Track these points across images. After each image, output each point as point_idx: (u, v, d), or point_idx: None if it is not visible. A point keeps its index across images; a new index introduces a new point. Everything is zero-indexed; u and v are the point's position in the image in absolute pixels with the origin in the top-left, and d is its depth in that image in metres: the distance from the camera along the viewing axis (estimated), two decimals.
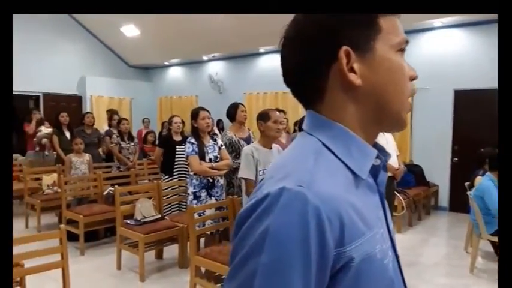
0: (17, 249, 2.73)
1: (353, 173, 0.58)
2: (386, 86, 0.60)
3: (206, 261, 2.83)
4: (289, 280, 0.48)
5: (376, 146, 0.65)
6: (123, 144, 5.40)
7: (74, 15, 9.12)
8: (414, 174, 5.77)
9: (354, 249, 0.52)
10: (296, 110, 7.51)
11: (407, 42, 0.63)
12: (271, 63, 8.27)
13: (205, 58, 9.20)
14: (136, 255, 3.56)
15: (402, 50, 0.62)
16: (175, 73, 10.28)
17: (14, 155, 6.55)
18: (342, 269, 0.52)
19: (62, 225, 2.30)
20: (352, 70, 0.58)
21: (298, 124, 4.69)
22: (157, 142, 6.79)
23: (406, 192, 5.09)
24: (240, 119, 3.80)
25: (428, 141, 6.19)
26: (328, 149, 0.59)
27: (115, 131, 5.78)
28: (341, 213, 0.51)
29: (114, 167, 5.46)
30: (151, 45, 9.14)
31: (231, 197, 3.23)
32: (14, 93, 8.30)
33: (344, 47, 0.57)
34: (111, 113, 7.08)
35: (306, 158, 0.57)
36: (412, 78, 0.63)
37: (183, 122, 4.75)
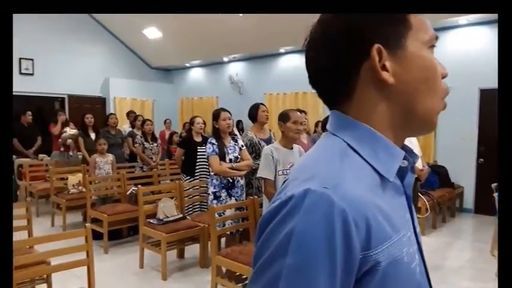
0: (43, 247, 2.84)
1: (379, 174, 0.57)
2: (419, 84, 0.59)
3: (227, 261, 2.85)
4: (314, 282, 0.48)
5: (403, 147, 0.63)
6: (146, 144, 5.51)
7: (98, 18, 9.35)
8: (438, 175, 5.64)
9: (381, 253, 0.51)
10: (316, 110, 7.47)
11: (436, 38, 0.61)
12: (291, 63, 8.25)
13: (225, 59, 9.27)
14: (159, 254, 3.62)
15: (432, 47, 0.61)
16: (196, 74, 10.39)
17: (41, 155, 6.76)
18: (368, 272, 0.51)
19: (88, 224, 2.36)
20: (384, 68, 0.57)
21: (322, 124, 4.64)
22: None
23: (430, 194, 4.99)
24: (261, 119, 3.80)
25: (453, 141, 6.04)
26: (354, 150, 0.58)
27: (138, 132, 5.91)
28: (368, 216, 0.51)
29: (138, 167, 5.56)
30: (173, 47, 9.27)
31: (251, 197, 3.24)
32: (40, 95, 8.64)
33: (376, 45, 0.57)
34: (134, 114, 7.26)
35: (331, 159, 0.56)
36: (443, 76, 0.62)
37: (204, 123, 4.80)
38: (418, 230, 0.65)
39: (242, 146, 3.57)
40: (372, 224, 0.51)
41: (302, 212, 0.50)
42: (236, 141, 3.55)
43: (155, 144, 5.64)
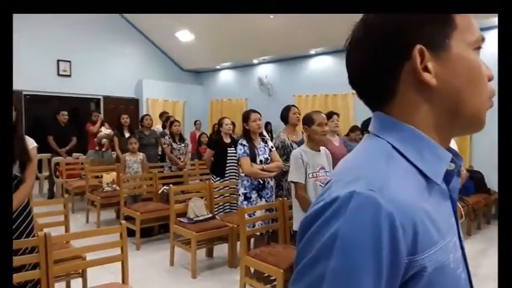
0: (78, 243, 2.96)
1: (426, 177, 0.56)
2: (463, 86, 0.57)
3: (256, 262, 2.87)
4: (359, 286, 0.47)
5: (450, 149, 0.61)
6: (174, 145, 5.60)
7: (133, 21, 9.63)
8: (474, 181, 5.43)
9: (427, 258, 0.50)
10: (346, 112, 7.38)
11: (483, 40, 0.59)
12: (321, 65, 8.19)
13: (255, 61, 9.32)
14: (188, 252, 3.68)
15: (478, 48, 0.59)
16: (226, 76, 10.50)
17: (76, 154, 7.02)
18: (414, 277, 0.50)
19: (123, 222, 2.44)
20: (426, 69, 0.56)
21: (362, 126, 4.56)
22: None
23: (465, 200, 4.81)
24: (293, 121, 3.79)
25: (489, 145, 5.80)
26: (399, 152, 0.57)
27: (168, 132, 6.05)
28: (415, 220, 0.50)
29: (166, 166, 5.67)
30: (204, 50, 9.42)
31: (280, 199, 3.24)
32: (77, 95, 8.99)
33: (418, 46, 0.55)
34: (167, 115, 7.43)
35: (376, 161, 0.55)
36: (489, 79, 0.60)
37: (233, 124, 4.84)
38: (462, 235, 0.63)
39: (272, 147, 3.58)
40: (419, 228, 0.50)
41: (347, 214, 0.49)
42: (266, 142, 3.57)
43: (183, 145, 5.73)
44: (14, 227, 2.21)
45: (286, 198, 3.21)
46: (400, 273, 0.49)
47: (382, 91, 0.60)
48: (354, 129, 5.63)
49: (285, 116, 3.83)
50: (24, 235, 2.28)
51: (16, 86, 7.46)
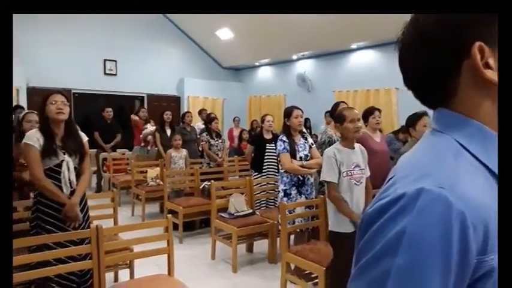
0: (125, 235, 3.09)
1: (493, 174, 0.54)
2: None
3: (297, 259, 2.86)
4: (426, 285, 0.47)
5: None
6: (212, 141, 5.68)
7: (175, 21, 9.87)
8: None
9: (497, 259, 0.49)
10: (389, 108, 7.16)
11: None
12: (363, 59, 8.00)
13: (294, 57, 9.26)
14: (229, 246, 3.74)
15: None
16: (265, 73, 10.52)
17: (122, 150, 7.32)
18: (482, 278, 0.49)
19: (169, 215, 2.52)
20: (487, 66, 0.54)
21: (406, 122, 4.41)
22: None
23: None
24: None
25: None
26: (465, 148, 0.55)
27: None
28: (486, 220, 0.49)
29: (205, 163, 5.77)
30: (244, 47, 9.49)
31: (321, 196, 3.21)
32: (122, 94, 9.37)
33: (477, 43, 0.54)
34: (206, 112, 7.58)
35: (444, 158, 0.54)
36: None
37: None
38: None
39: (312, 144, 3.55)
40: (489, 227, 0.49)
41: (415, 212, 0.48)
42: (306, 139, 3.54)
43: (220, 141, 5.80)
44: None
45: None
46: (468, 273, 0.48)
47: (442, 91, 0.59)
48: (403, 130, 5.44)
49: (334, 112, 3.79)
50: (82, 225, 2.43)
51: (66, 85, 7.93)
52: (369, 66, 7.82)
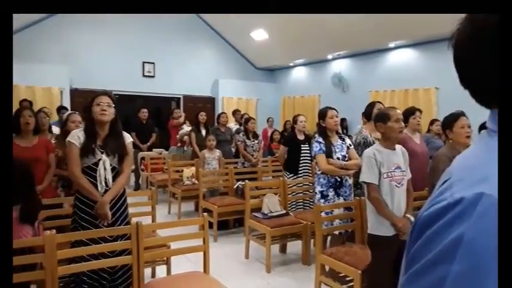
0: (162, 232, 3.17)
1: None
2: None
3: (332, 261, 2.83)
4: None
5: None
6: (248, 142, 5.71)
7: (209, 22, 10.02)
8: None
9: None
10: (429, 108, 6.91)
11: None
12: (401, 58, 7.78)
13: (329, 57, 9.14)
14: (263, 246, 3.75)
15: None
16: (299, 73, 10.46)
17: (159, 150, 7.52)
18: None
19: (205, 214, 2.56)
20: None
21: (443, 122, 4.26)
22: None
23: None
24: None
25: None
26: None
27: (242, 130, 6.21)
28: None
29: (240, 163, 5.81)
30: (278, 48, 9.48)
31: (358, 198, 3.15)
32: (159, 95, 9.63)
33: None
34: (240, 113, 7.66)
35: None
36: None
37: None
38: None
39: (350, 145, 3.49)
40: None
41: (474, 217, 0.46)
42: (343, 140, 3.49)
43: (256, 142, 5.81)
44: (112, 212, 2.44)
45: (364, 198, 3.11)
46: None
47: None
48: (433, 122, 5.27)
49: (369, 112, 3.71)
50: (119, 221, 2.51)
51: (107, 86, 8.24)
52: (407, 65, 7.60)
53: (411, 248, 0.53)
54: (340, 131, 4.23)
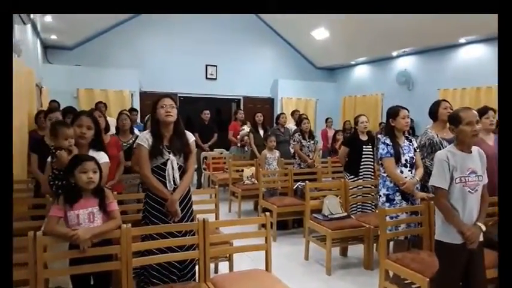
0: (224, 230, 3.27)
1: None
2: None
3: (397, 267, 2.72)
4: None
5: None
6: (304, 142, 5.67)
7: (269, 22, 10.09)
8: None
9: None
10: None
11: None
12: (473, 54, 7.26)
13: (394, 54, 8.78)
14: (323, 248, 3.71)
15: None
16: (361, 72, 10.18)
17: (220, 149, 7.74)
18: None
19: (267, 213, 2.60)
20: None
21: None
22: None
23: None
24: (442, 117, 3.40)
25: None
26: None
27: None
28: None
29: (296, 163, 5.79)
30: (339, 46, 9.29)
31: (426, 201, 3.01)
32: (221, 97, 9.92)
33: None
34: (298, 113, 7.64)
35: None
36: None
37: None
38: None
39: (417, 147, 3.33)
40: None
41: None
42: (411, 141, 3.34)
43: (312, 142, 5.75)
44: (180, 208, 2.57)
45: (432, 202, 2.95)
46: None
47: None
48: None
49: (434, 111, 3.50)
50: (186, 217, 2.64)
51: (173, 89, 8.66)
52: (480, 62, 7.06)
53: None
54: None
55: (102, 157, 2.54)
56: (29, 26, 5.59)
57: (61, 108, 5.76)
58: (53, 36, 7.51)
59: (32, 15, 4.88)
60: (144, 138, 2.58)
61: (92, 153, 2.52)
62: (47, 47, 8.23)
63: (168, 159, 2.56)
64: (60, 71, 7.85)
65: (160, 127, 2.61)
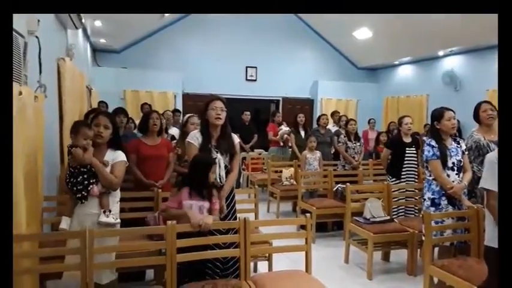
0: (263, 229, 3.29)
1: None
2: None
3: (444, 274, 2.63)
4: None
5: None
6: (349, 144, 5.61)
7: (309, 23, 10.02)
8: None
9: None
10: None
11: None
12: None
13: (440, 53, 8.43)
14: (364, 252, 3.64)
15: None
16: (404, 71, 9.86)
17: (259, 150, 7.80)
18: None
19: (308, 214, 2.60)
20: None
21: None
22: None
23: None
24: (484, 121, 3.28)
25: None
26: None
27: (342, 131, 6.12)
28: None
29: (340, 165, 5.73)
30: (382, 46, 9.05)
31: (475, 206, 2.87)
32: (260, 98, 9.97)
33: None
34: (338, 114, 7.55)
35: None
36: None
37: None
38: None
39: (465, 150, 3.19)
40: None
41: None
42: (459, 143, 3.21)
43: (358, 144, 5.68)
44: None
45: (481, 206, 2.82)
46: None
47: None
48: None
49: (475, 114, 3.37)
50: (230, 215, 2.70)
51: (214, 91, 8.81)
52: None
53: None
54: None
55: (119, 156, 2.55)
56: (80, 31, 5.89)
57: (109, 108, 6.06)
58: (102, 40, 7.90)
59: (83, 20, 5.11)
60: (195, 137, 2.70)
61: (110, 152, 2.55)
62: (96, 51, 8.67)
63: (215, 158, 2.64)
64: (108, 73, 8.25)
65: (209, 127, 2.71)
